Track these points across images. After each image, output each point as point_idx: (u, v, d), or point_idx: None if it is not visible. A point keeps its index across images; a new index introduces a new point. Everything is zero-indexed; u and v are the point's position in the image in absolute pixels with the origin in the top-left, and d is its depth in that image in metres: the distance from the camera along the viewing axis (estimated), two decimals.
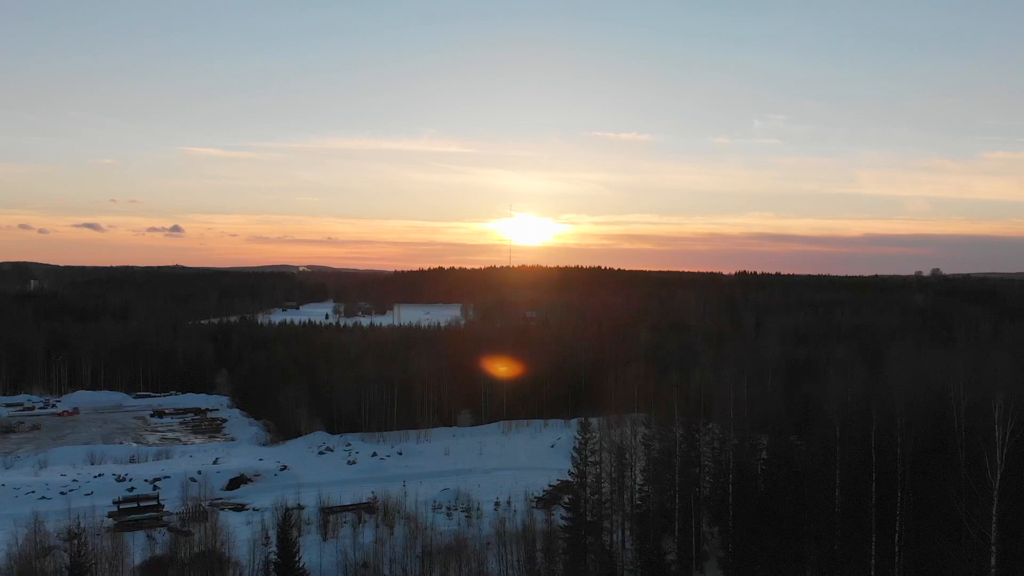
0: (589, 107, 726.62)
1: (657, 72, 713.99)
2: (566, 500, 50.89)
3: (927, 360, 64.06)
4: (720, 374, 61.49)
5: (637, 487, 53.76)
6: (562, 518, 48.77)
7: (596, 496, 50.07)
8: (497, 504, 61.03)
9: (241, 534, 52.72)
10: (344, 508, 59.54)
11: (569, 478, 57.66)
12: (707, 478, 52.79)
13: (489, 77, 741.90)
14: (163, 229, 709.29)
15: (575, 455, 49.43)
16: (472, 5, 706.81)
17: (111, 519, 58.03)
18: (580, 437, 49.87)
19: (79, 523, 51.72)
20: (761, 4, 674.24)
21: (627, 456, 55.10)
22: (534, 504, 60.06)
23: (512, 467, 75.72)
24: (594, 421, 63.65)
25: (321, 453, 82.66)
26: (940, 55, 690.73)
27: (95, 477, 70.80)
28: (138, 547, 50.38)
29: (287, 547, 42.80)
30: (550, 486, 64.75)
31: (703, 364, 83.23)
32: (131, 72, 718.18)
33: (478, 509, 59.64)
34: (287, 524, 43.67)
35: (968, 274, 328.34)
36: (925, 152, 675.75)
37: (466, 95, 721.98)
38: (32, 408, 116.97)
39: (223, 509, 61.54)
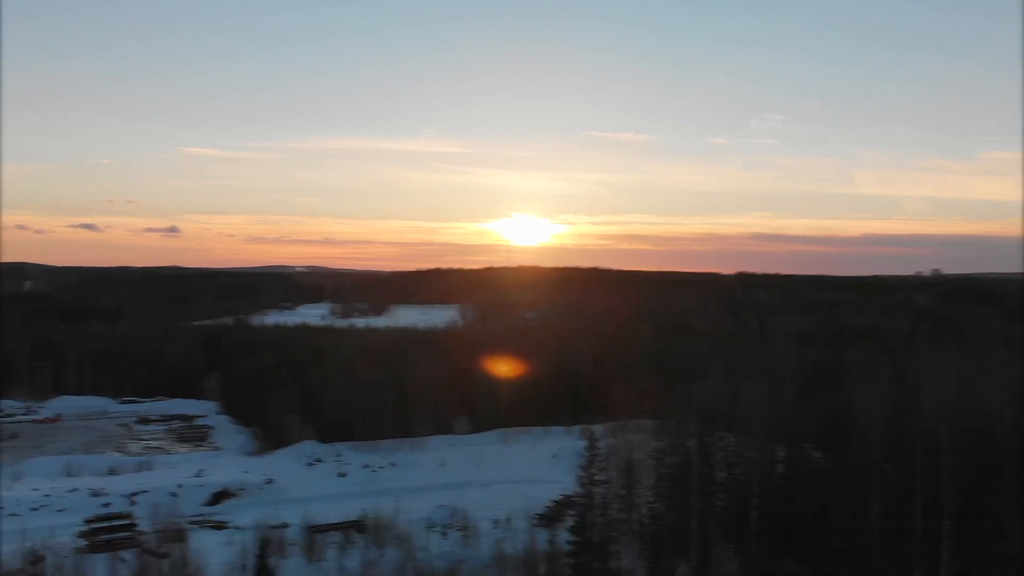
0: (587, 107, 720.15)
1: (655, 72, 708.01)
2: (571, 522, 46.93)
3: (955, 367, 60.29)
4: (734, 380, 57.76)
5: (647, 505, 49.97)
6: (568, 542, 44.84)
7: (603, 517, 46.24)
8: (496, 522, 57.00)
9: (219, 557, 48.70)
10: (332, 527, 55.51)
11: (572, 492, 53.95)
12: (721, 494, 48.95)
13: (488, 77, 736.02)
14: (160, 229, 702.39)
15: (581, 473, 45.53)
16: (471, 5, 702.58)
17: (82, 539, 54.13)
18: (586, 452, 46.01)
19: (38, 546, 48.12)
20: (760, 4, 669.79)
21: (635, 471, 51.31)
22: (536, 522, 56.20)
23: (512, 479, 71.66)
24: (598, 428, 59.92)
25: (310, 464, 78.57)
26: (940, 55, 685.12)
27: (69, 492, 66.57)
28: (106, 572, 46.53)
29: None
30: (552, 502, 60.84)
31: (712, 369, 79.51)
32: (131, 72, 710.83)
33: (476, 528, 55.62)
34: (266, 550, 39.83)
35: (968, 274, 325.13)
36: (924, 152, 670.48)
37: (465, 95, 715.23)
38: (12, 415, 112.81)
39: (203, 527, 57.63)
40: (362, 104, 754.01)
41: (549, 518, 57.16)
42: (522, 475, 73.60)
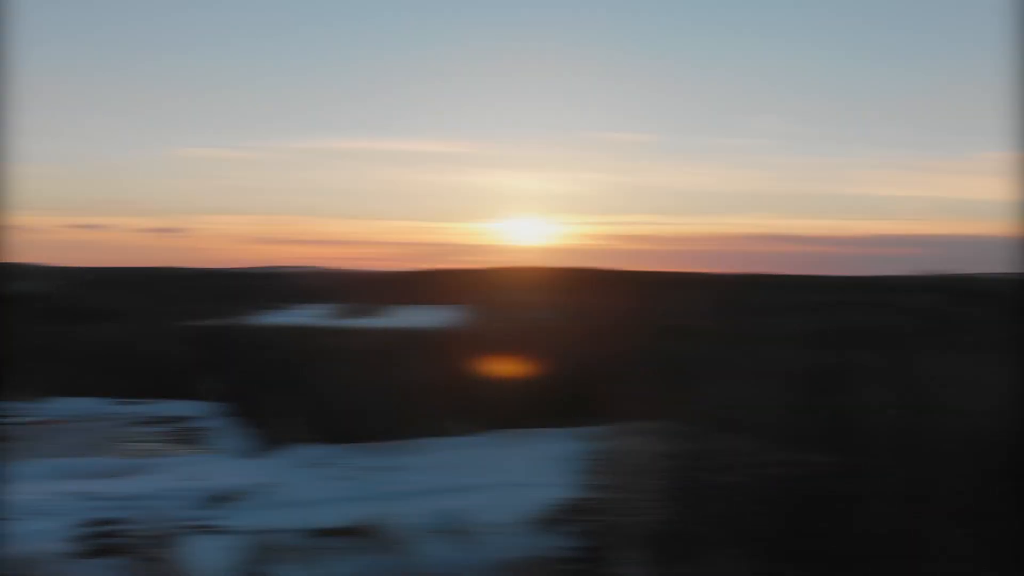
0: (588, 107, 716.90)
1: (655, 72, 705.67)
2: (573, 526, 46.56)
3: (956, 367, 60.01)
4: (735, 381, 57.46)
5: (651, 510, 49.63)
6: (569, 548, 44.45)
7: (605, 521, 45.86)
8: (496, 526, 56.64)
9: (212, 563, 48.54)
10: (329, 531, 55.13)
11: (573, 495, 53.56)
12: (725, 498, 48.62)
13: (488, 77, 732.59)
14: (161, 229, 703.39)
15: (582, 476, 45.14)
16: (471, 5, 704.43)
17: (76, 544, 53.74)
18: (588, 454, 45.67)
19: (32, 551, 47.71)
20: (761, 4, 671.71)
21: (639, 474, 50.99)
22: (536, 526, 55.77)
23: (512, 482, 71.02)
24: (599, 431, 59.51)
25: (310, 467, 78.16)
26: (940, 55, 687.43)
27: (62, 496, 66.29)
28: None
29: None
30: (553, 505, 60.41)
31: (713, 370, 79.29)
32: (130, 72, 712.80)
33: (475, 532, 55.27)
34: (259, 557, 39.37)
35: (968, 274, 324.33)
36: (923, 152, 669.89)
37: (465, 95, 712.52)
38: (11, 417, 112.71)
39: (197, 533, 57.27)
40: (362, 104, 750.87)
41: (550, 522, 56.73)
42: (523, 478, 73.11)
